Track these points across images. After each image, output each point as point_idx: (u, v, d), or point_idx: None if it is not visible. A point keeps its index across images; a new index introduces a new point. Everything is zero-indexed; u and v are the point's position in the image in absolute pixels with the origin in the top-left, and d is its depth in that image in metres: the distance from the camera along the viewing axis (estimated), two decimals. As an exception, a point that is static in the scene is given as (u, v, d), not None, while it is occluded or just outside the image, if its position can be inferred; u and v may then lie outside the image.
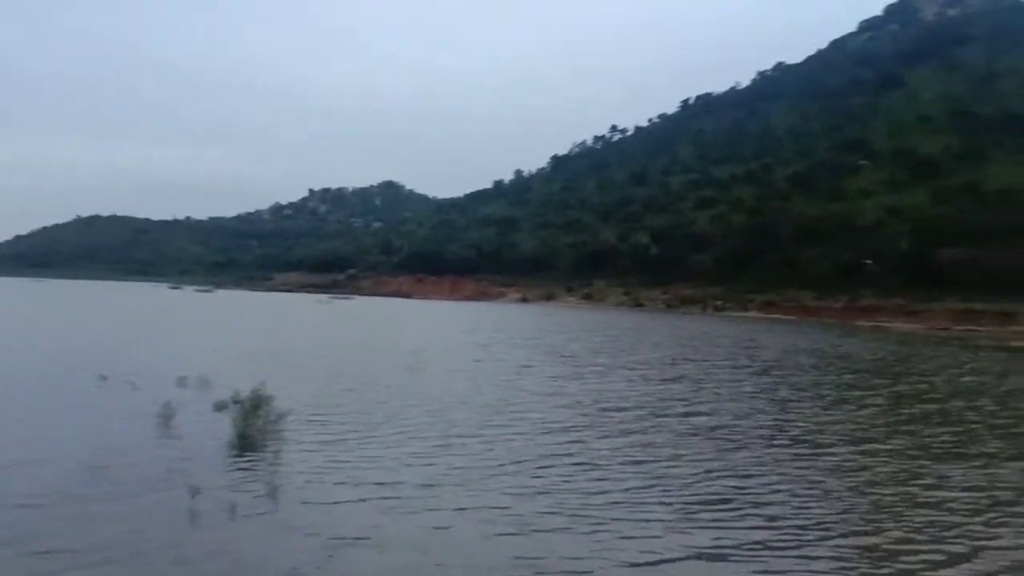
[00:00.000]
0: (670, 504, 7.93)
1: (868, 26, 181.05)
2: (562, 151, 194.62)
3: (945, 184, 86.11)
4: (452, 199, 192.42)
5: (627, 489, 8.40)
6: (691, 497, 8.22)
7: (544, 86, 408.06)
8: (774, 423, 12.86)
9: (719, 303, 75.13)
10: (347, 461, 9.27)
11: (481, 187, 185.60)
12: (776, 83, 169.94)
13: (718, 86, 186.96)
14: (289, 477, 8.42)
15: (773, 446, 10.98)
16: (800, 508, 7.92)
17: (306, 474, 8.60)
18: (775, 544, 6.82)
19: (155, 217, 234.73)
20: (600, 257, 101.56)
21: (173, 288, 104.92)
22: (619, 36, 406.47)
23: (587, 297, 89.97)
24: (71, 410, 12.12)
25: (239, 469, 8.81)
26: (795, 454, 10.51)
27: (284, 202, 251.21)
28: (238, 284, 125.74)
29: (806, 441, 11.44)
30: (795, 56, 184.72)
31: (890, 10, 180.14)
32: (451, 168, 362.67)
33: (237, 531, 6.81)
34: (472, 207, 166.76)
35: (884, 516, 7.81)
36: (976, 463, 10.33)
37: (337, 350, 23.99)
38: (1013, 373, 23.03)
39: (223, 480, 8.28)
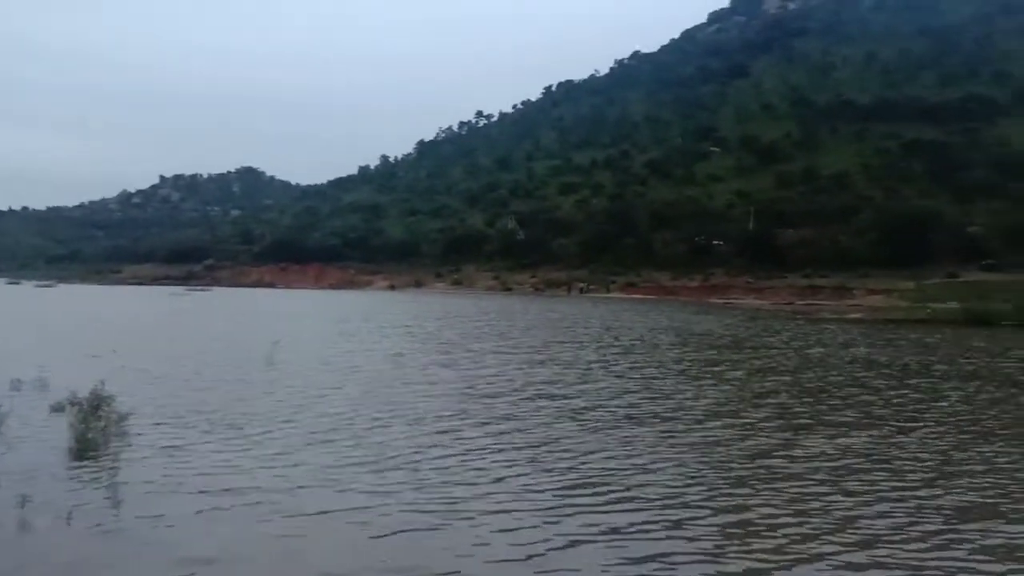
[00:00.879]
0: (542, 491, 7.81)
1: (716, 17, 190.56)
2: (428, 136, 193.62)
3: (787, 169, 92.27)
4: (316, 185, 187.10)
5: (499, 479, 8.22)
6: (563, 483, 8.14)
7: (409, 71, 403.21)
8: (642, 401, 13.10)
9: (583, 285, 77.12)
10: (198, 465, 8.54)
11: (346, 173, 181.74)
12: (633, 71, 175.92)
13: (578, 73, 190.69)
14: (132, 485, 7.66)
15: (642, 425, 11.12)
16: (669, 487, 7.99)
17: (151, 481, 7.84)
18: (647, 527, 6.81)
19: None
20: (468, 242, 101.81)
21: (11, 283, 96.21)
22: (485, 21, 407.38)
23: (456, 283, 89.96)
24: None
25: (75, 477, 7.97)
26: (663, 432, 10.68)
27: (133, 190, 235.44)
28: (84, 278, 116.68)
29: (673, 419, 11.66)
30: (651, 45, 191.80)
31: (736, 2, 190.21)
32: (314, 154, 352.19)
33: (71, 546, 6.13)
34: (337, 194, 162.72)
35: (749, 491, 7.97)
36: (831, 432, 10.84)
37: (190, 345, 22.59)
38: (853, 344, 24.81)
39: (57, 489, 7.49)
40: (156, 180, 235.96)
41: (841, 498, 7.74)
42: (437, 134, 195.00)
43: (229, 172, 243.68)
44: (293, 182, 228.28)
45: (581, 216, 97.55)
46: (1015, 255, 56.43)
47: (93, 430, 9.35)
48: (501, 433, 10.53)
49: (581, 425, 11.11)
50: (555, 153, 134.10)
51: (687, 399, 13.55)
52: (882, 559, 6.13)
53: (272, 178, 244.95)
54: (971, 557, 6.24)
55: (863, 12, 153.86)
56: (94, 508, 7.02)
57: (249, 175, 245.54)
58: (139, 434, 9.85)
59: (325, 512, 7.07)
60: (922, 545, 6.45)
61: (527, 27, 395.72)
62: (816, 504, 7.56)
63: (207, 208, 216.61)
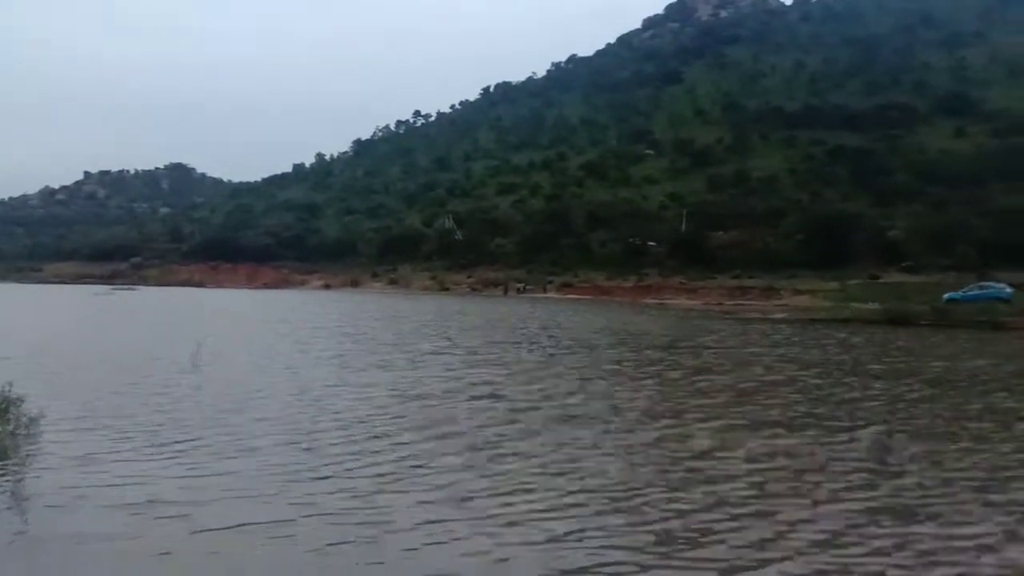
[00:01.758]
0: (479, 499, 7.61)
1: (651, 23, 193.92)
2: (365, 135, 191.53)
3: (718, 172, 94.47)
4: (249, 183, 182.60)
5: (437, 487, 8.00)
6: (500, 489, 7.93)
7: (345, 68, 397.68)
8: (580, 403, 13.05)
9: (520, 285, 77.41)
10: (111, 475, 8.13)
11: (280, 171, 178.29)
12: (569, 75, 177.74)
13: (516, 75, 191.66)
14: (38, 496, 7.32)
15: (581, 427, 11.03)
16: (608, 492, 7.90)
17: (60, 491, 7.46)
18: (585, 535, 6.67)
19: None
20: (405, 242, 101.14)
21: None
22: (423, 21, 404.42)
23: (393, 282, 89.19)
24: None
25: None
26: (601, 433, 10.63)
27: (56, 186, 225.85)
28: (2, 276, 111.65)
29: (611, 420, 11.66)
30: (587, 49, 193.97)
31: (670, 9, 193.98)
32: (247, 150, 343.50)
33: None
34: (271, 191, 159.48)
35: (688, 495, 7.88)
36: (770, 432, 10.89)
37: (110, 347, 21.84)
38: (786, 343, 25.47)
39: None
40: (80, 176, 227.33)
41: (781, 501, 7.70)
42: (374, 133, 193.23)
43: (158, 168, 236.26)
44: (225, 179, 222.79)
45: (519, 216, 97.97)
46: (932, 257, 59.04)
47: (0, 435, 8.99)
48: (439, 437, 10.30)
49: (520, 428, 10.99)
50: (493, 153, 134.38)
51: (626, 400, 13.57)
52: (824, 566, 6.07)
53: (203, 175, 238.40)
54: (911, 561, 6.22)
55: (791, 22, 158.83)
56: (-5, 523, 6.64)
57: (179, 172, 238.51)
58: (51, 441, 9.42)
59: (243, 525, 6.77)
60: (862, 550, 6.40)
61: (464, 29, 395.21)
62: (755, 508, 7.48)
63: (134, 205, 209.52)
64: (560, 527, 6.83)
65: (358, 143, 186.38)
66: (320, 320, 35.89)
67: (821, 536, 6.74)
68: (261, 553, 6.25)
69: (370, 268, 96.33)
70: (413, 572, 5.99)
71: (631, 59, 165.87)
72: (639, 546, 6.51)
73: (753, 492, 7.99)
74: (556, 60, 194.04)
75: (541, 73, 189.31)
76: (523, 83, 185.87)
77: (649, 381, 16.15)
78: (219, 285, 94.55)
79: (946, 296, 40.78)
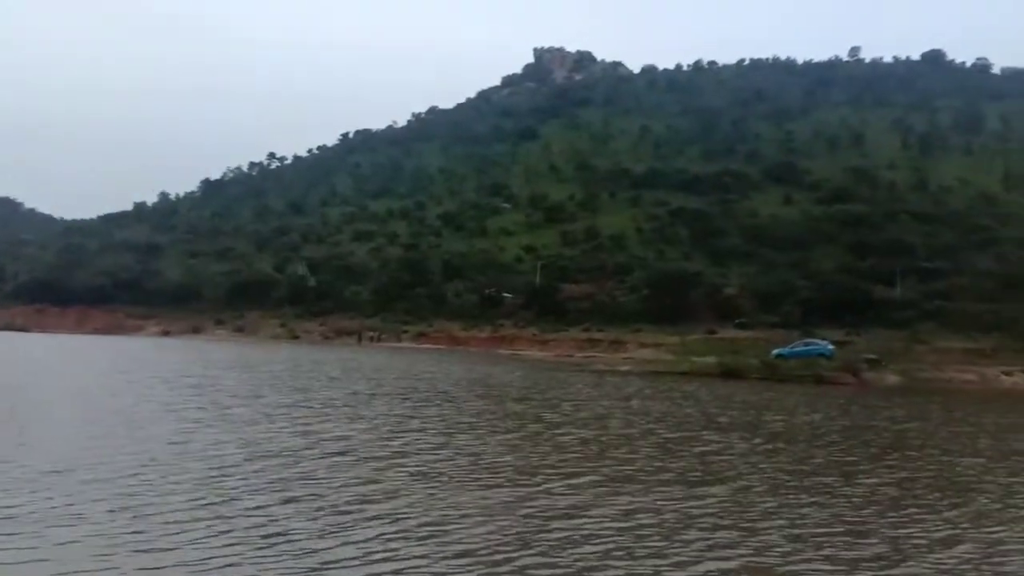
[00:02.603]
0: (334, 568, 7.45)
1: (509, 81, 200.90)
2: (214, 175, 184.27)
3: (570, 228, 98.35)
4: (83, 220, 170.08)
5: (292, 555, 7.76)
6: (356, 560, 7.74)
7: (189, 106, 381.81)
8: (437, 459, 12.98)
9: (374, 334, 76.48)
10: None
11: (119, 208, 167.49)
12: (429, 125, 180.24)
13: (375, 123, 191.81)
14: None
15: (437, 485, 11.00)
16: (459, 555, 7.92)
17: None
18: None
19: None
20: (255, 288, 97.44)
21: None
22: (280, 65, 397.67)
23: (240, 330, 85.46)
24: None
25: None
26: (455, 489, 10.65)
27: None
28: None
29: (468, 477, 11.69)
30: (447, 102, 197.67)
31: (527, 69, 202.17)
32: (81, 186, 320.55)
33: None
34: (107, 230, 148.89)
35: (542, 555, 8.00)
36: (629, 489, 11.21)
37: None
38: (634, 397, 26.64)
39: None
40: None
41: (650, 563, 7.82)
42: (224, 173, 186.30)
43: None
44: (57, 215, 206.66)
45: (375, 264, 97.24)
46: (762, 315, 63.95)
47: None
48: (287, 502, 9.82)
49: (382, 487, 10.75)
50: (350, 200, 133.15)
51: (485, 455, 13.63)
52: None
53: (32, 210, 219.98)
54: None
55: (638, 89, 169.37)
56: None
57: (4, 206, 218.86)
58: None
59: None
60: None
61: (321, 72, 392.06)
62: (598, 563, 7.67)
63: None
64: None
65: (207, 183, 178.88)
66: (154, 369, 33.67)
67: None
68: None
69: (215, 314, 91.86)
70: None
71: (490, 114, 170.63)
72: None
73: (621, 553, 8.11)
74: (416, 111, 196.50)
75: (401, 123, 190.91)
76: (383, 131, 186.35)
77: (511, 436, 16.37)
78: (43, 330, 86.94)
79: (774, 352, 44.21)
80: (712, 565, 7.83)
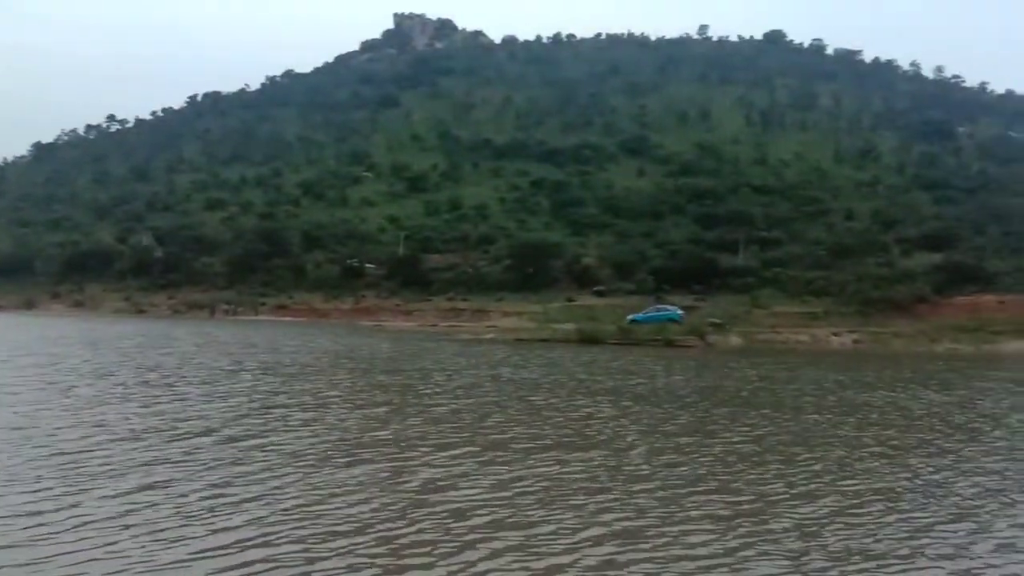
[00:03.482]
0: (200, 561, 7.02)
1: (369, 47, 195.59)
2: (47, 139, 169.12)
3: (434, 198, 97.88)
4: None
5: (147, 561, 7.33)
6: (214, 548, 7.27)
7: (24, 60, 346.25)
8: (308, 436, 12.65)
9: (229, 307, 73.26)
10: None
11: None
12: (285, 90, 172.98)
13: (226, 86, 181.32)
14: None
15: (309, 464, 10.72)
16: (336, 533, 7.84)
17: None
18: None
19: None
20: (94, 259, 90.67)
21: None
22: (117, 21, 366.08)
23: (78, 304, 79.46)
24: None
25: None
26: (332, 467, 10.45)
27: None
28: None
29: (350, 454, 11.45)
30: (303, 66, 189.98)
31: (387, 35, 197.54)
32: None
33: None
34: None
35: (424, 530, 8.02)
36: (512, 457, 11.26)
37: None
38: (501, 364, 27.02)
39: None
40: None
41: (522, 531, 7.90)
42: (58, 137, 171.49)
43: None
44: None
45: (229, 234, 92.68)
46: (618, 283, 66.48)
47: None
48: (149, 488, 9.24)
49: (239, 466, 10.35)
50: (200, 167, 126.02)
51: (358, 429, 13.39)
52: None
53: None
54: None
55: (499, 60, 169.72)
56: None
57: None
58: None
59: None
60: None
61: (163, 29, 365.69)
62: (482, 535, 7.74)
63: None
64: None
65: (39, 147, 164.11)
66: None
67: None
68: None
69: (50, 288, 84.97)
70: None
71: (349, 79, 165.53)
72: None
73: (506, 522, 8.20)
74: (271, 74, 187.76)
75: (255, 86, 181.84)
76: (235, 94, 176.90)
77: (384, 409, 15.94)
78: None
79: (629, 317, 46.29)
80: (597, 531, 7.96)
